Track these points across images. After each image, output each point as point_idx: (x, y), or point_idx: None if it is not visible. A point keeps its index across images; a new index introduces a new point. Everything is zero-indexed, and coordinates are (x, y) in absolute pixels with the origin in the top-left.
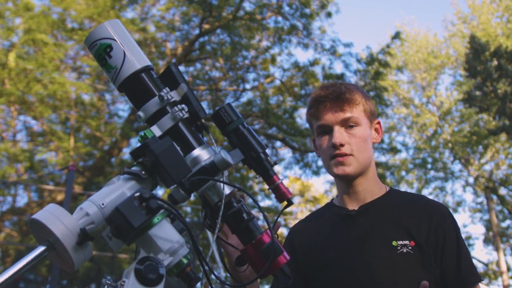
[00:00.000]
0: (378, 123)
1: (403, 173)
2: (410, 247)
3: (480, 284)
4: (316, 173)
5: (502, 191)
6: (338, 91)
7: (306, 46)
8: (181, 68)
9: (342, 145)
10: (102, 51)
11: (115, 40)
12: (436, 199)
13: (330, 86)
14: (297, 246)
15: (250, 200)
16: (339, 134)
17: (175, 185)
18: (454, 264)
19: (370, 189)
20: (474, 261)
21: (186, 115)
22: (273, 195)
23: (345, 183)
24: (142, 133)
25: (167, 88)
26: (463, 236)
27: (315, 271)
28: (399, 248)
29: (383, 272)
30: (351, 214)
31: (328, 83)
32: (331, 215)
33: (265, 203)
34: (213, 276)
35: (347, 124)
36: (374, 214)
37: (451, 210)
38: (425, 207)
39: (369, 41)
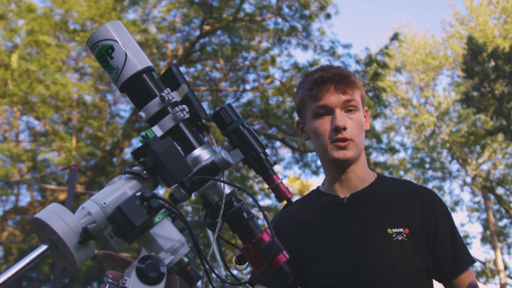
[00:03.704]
0: (367, 110)
1: (402, 173)
2: (404, 235)
3: (478, 282)
4: (316, 172)
5: (499, 190)
6: (344, 73)
7: (305, 47)
8: (182, 69)
9: (345, 129)
10: (103, 52)
11: (116, 41)
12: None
13: (332, 68)
14: (285, 233)
15: (250, 200)
16: (342, 117)
17: (176, 185)
18: (448, 249)
19: (362, 175)
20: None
21: (187, 116)
22: (273, 195)
23: (339, 169)
24: (143, 133)
25: (168, 89)
26: (462, 234)
27: (307, 261)
28: (394, 236)
29: (382, 260)
30: (343, 202)
31: (326, 65)
32: (321, 203)
33: (265, 202)
34: (213, 275)
35: (347, 107)
36: (367, 202)
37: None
38: (416, 193)
39: (367, 42)
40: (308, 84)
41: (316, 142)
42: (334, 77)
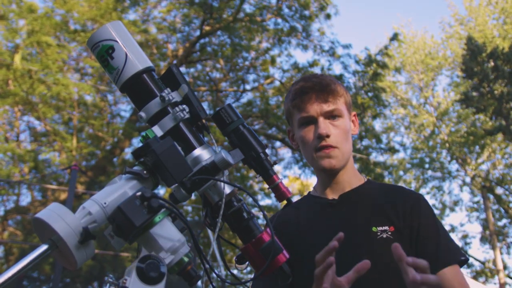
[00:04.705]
0: (355, 115)
1: (401, 173)
2: (389, 232)
3: (477, 282)
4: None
5: (499, 190)
6: (324, 82)
7: (305, 48)
8: (182, 69)
9: (328, 136)
10: (104, 53)
11: (117, 41)
12: (433, 199)
13: (313, 77)
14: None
15: (250, 199)
16: (325, 125)
17: (176, 185)
18: (432, 245)
19: (350, 180)
20: (471, 260)
21: (187, 116)
22: (273, 194)
23: (328, 175)
24: (143, 133)
25: (168, 89)
26: (460, 234)
27: (295, 259)
28: (378, 233)
29: (363, 257)
30: (332, 202)
31: (309, 74)
32: (311, 204)
33: (265, 202)
34: (213, 275)
35: (331, 115)
36: (354, 202)
37: (447, 208)
38: (401, 193)
39: (367, 42)
40: (291, 95)
41: (303, 150)
42: (314, 87)
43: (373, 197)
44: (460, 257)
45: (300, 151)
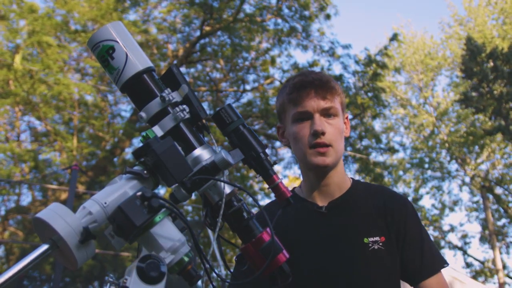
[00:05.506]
0: (347, 117)
1: (401, 172)
2: (380, 243)
3: (476, 282)
4: None
5: (498, 190)
6: (324, 79)
7: (305, 48)
8: (182, 69)
9: (323, 134)
10: (104, 53)
11: (117, 41)
12: (433, 198)
13: (312, 73)
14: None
15: (250, 199)
16: (321, 122)
17: (177, 184)
18: (415, 253)
19: (339, 182)
20: (470, 260)
21: (187, 116)
22: (272, 194)
23: (318, 175)
24: (144, 133)
25: (168, 89)
26: (460, 234)
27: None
28: (370, 245)
29: (357, 270)
30: (321, 212)
31: (306, 70)
32: (298, 209)
33: (265, 202)
34: (214, 274)
35: (327, 113)
36: (344, 211)
37: (446, 208)
38: (388, 199)
39: (367, 42)
40: (289, 89)
41: (295, 147)
42: (313, 82)
43: (362, 204)
44: (443, 264)
45: (290, 148)
